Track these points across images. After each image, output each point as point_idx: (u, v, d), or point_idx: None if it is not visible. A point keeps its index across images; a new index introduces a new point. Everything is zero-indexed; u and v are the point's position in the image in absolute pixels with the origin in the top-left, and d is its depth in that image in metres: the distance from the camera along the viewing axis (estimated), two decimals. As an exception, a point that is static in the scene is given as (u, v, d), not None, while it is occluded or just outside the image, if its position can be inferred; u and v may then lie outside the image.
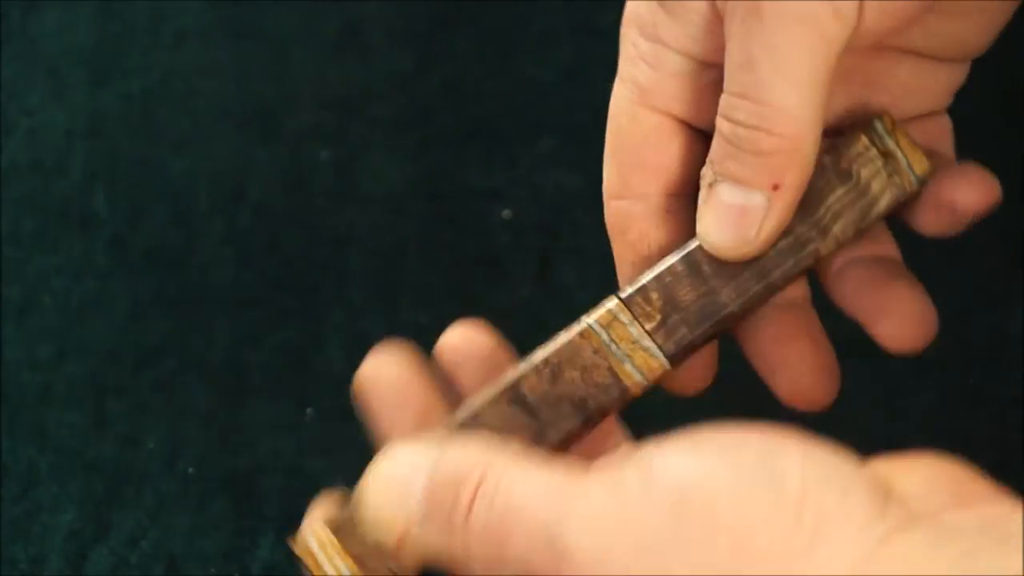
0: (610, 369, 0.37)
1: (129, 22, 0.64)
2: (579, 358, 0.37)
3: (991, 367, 0.56)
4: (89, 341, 0.58)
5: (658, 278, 0.38)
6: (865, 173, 0.39)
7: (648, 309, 0.37)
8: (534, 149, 0.62)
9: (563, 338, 0.38)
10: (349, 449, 0.56)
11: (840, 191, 0.39)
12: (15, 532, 0.54)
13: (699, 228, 0.37)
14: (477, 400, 0.38)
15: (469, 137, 0.62)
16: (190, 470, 0.56)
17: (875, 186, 0.39)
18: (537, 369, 0.38)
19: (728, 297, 0.38)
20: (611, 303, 0.38)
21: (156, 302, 0.59)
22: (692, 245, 0.38)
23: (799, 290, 0.41)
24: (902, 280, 0.40)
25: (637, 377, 0.38)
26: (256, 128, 0.62)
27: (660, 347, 0.37)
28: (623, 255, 0.40)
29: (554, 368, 0.38)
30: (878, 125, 0.39)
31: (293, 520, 0.55)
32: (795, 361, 0.40)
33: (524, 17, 0.64)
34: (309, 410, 0.57)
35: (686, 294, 0.38)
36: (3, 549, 0.54)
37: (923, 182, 0.39)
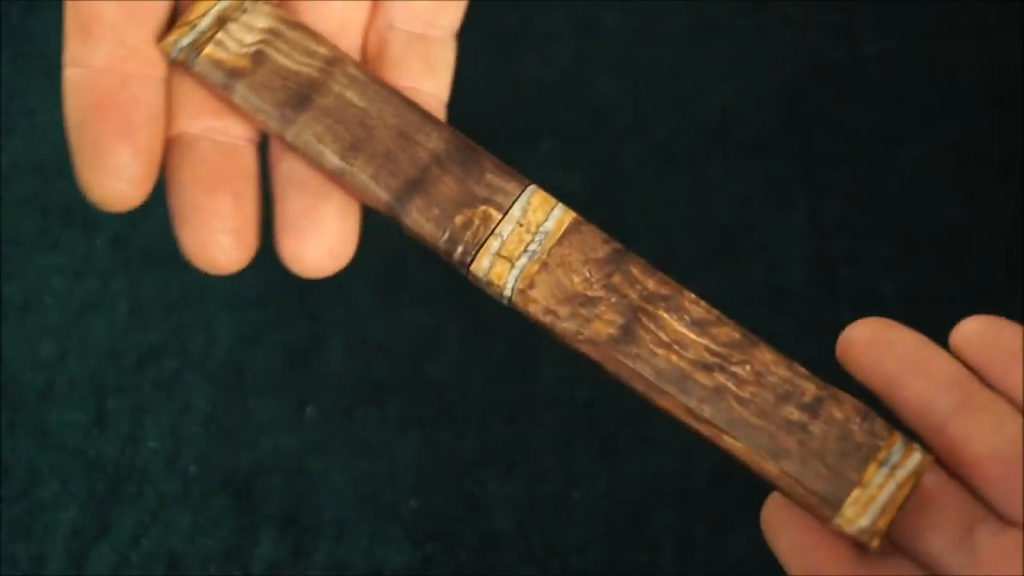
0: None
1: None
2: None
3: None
4: (90, 340, 0.58)
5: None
6: None
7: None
8: (534, 149, 0.62)
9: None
10: (349, 448, 0.56)
11: None
12: (16, 530, 0.54)
13: None
14: None
15: (469, 137, 0.62)
16: (191, 469, 0.56)
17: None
18: None
19: None
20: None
21: (157, 302, 0.59)
22: None
23: (243, 129, 0.37)
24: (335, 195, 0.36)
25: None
26: (257, 128, 0.62)
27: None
28: (70, 28, 0.35)
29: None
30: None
31: (293, 518, 0.55)
32: (209, 214, 0.35)
33: (524, 17, 0.64)
34: (309, 409, 0.57)
35: None
36: (4, 547, 0.54)
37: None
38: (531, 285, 0.35)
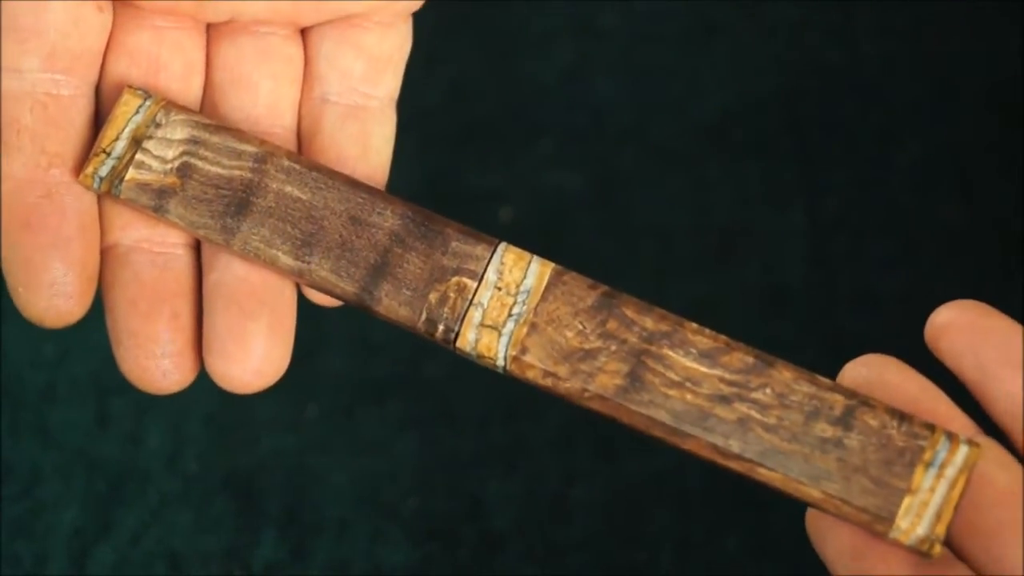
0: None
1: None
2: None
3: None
4: (92, 340, 0.58)
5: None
6: None
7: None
8: (534, 149, 0.62)
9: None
10: (349, 447, 0.57)
11: None
12: (18, 530, 0.54)
13: None
14: None
15: (469, 137, 0.62)
16: (192, 468, 0.56)
17: None
18: None
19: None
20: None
21: (158, 301, 0.59)
22: None
23: (179, 236, 0.35)
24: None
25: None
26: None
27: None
28: None
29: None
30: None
31: (294, 517, 0.55)
32: (146, 340, 0.34)
33: (524, 17, 0.64)
34: (310, 408, 0.57)
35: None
36: (6, 547, 0.54)
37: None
38: (524, 350, 0.33)
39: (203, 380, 0.58)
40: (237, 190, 0.34)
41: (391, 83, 0.37)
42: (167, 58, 0.35)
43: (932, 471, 0.32)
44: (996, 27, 0.64)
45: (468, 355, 0.34)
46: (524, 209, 0.60)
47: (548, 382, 0.33)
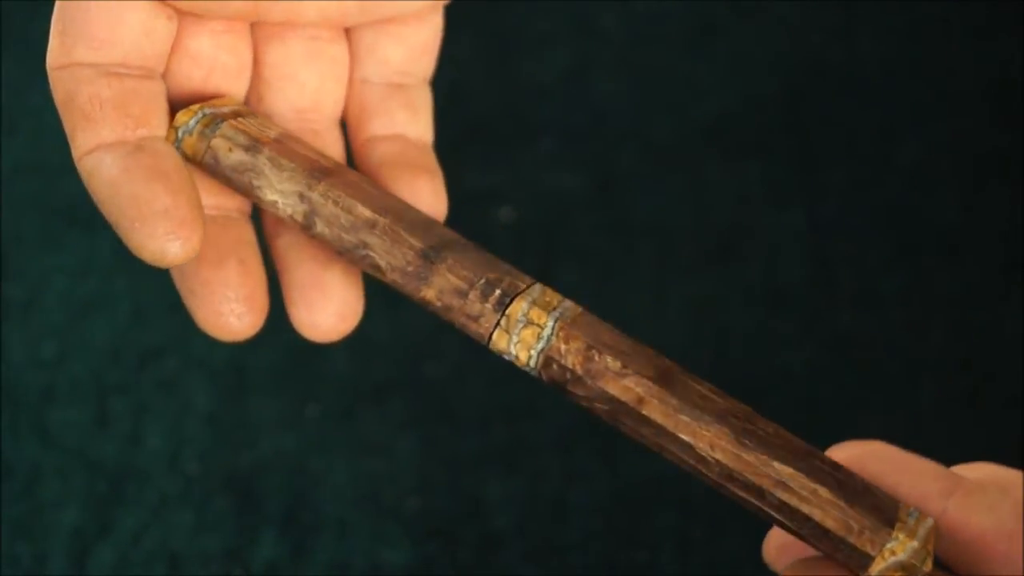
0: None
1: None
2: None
3: (991, 367, 0.56)
4: (92, 340, 0.58)
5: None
6: None
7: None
8: (534, 149, 0.62)
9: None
10: (349, 448, 0.57)
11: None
12: (18, 530, 0.54)
13: None
14: None
15: (469, 137, 0.62)
16: (192, 468, 0.56)
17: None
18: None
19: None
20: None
21: (158, 302, 0.59)
22: None
23: (236, 202, 0.38)
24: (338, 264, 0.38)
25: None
26: (257, 128, 0.62)
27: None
28: (72, 123, 0.36)
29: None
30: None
31: (294, 517, 0.55)
32: (219, 286, 0.37)
33: (524, 17, 0.64)
34: (310, 408, 0.57)
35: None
36: (6, 547, 0.54)
37: None
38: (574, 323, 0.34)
39: (203, 380, 0.58)
40: (318, 167, 0.36)
41: (427, 65, 0.40)
42: (224, 59, 0.38)
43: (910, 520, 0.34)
44: (996, 27, 0.64)
45: (515, 324, 0.35)
46: (524, 209, 0.60)
47: (592, 354, 0.34)
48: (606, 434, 0.57)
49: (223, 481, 0.55)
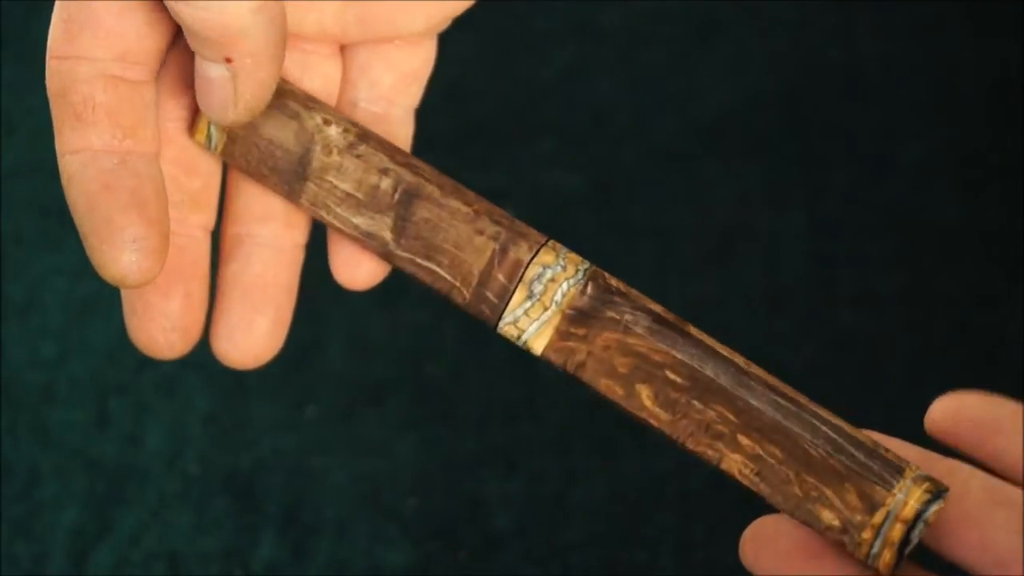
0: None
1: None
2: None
3: (991, 367, 0.56)
4: (91, 340, 0.58)
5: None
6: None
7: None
8: (534, 149, 0.62)
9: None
10: (349, 448, 0.57)
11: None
12: (17, 530, 0.54)
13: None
14: None
15: (469, 137, 0.62)
16: (191, 469, 0.56)
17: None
18: None
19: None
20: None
21: (158, 301, 0.59)
22: None
23: (202, 217, 0.39)
24: None
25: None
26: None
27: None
28: (62, 118, 0.36)
29: None
30: None
31: (293, 518, 0.55)
32: (159, 314, 0.38)
33: (524, 17, 0.64)
34: (310, 409, 0.57)
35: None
36: (5, 547, 0.54)
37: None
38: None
39: (203, 381, 0.58)
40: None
41: (415, 95, 0.41)
42: None
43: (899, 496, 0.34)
44: (996, 27, 0.64)
45: (530, 280, 0.36)
46: (524, 209, 0.60)
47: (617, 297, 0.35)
48: (606, 434, 0.57)
49: (223, 481, 0.55)
